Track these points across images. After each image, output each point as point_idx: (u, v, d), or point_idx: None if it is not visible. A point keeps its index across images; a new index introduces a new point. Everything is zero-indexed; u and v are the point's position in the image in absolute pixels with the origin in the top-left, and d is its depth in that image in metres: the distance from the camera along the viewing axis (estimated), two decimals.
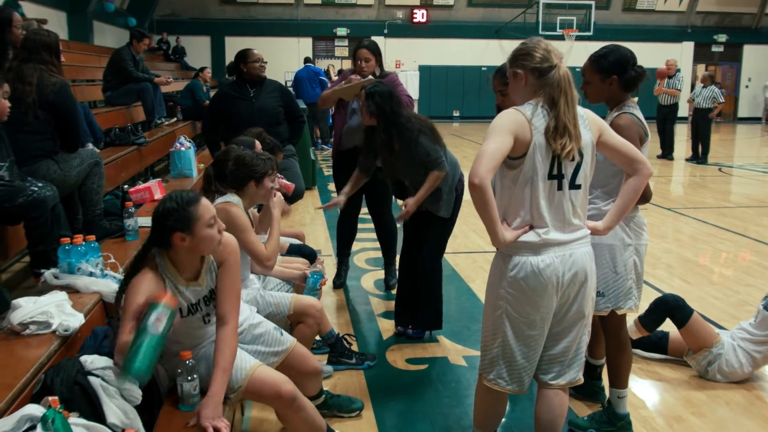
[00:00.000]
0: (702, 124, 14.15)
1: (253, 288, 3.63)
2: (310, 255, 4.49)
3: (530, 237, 2.61)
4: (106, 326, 2.79)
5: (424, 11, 25.10)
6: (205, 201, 2.63)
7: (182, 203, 2.55)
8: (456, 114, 25.91)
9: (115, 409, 2.30)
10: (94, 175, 4.34)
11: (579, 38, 23.58)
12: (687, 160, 14.35)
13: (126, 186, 5.51)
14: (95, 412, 2.28)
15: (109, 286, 3.11)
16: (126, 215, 4.12)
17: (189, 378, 2.61)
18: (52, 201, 3.59)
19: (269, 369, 2.85)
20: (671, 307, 4.09)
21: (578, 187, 2.65)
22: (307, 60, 16.51)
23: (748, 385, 3.98)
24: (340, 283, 5.72)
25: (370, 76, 5.08)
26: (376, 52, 5.29)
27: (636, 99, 3.31)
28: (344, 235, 5.72)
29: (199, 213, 2.56)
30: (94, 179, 4.34)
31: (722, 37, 26.72)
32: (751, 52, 27.09)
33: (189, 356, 2.62)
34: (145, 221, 4.39)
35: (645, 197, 3.13)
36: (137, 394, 2.42)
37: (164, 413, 2.64)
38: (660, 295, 4.32)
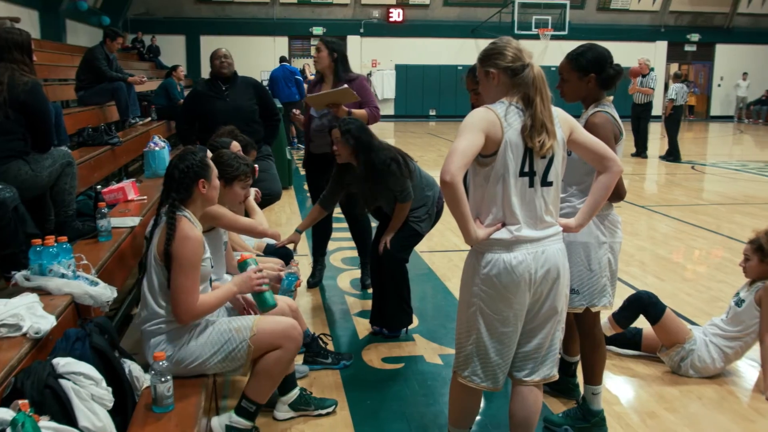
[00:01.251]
0: (665, 121, 14.45)
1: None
2: (286, 255, 4.48)
3: (503, 234, 2.62)
4: (78, 328, 2.75)
5: (400, 10, 25.11)
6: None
7: (200, 156, 3.04)
8: (432, 113, 25.97)
9: (87, 412, 2.28)
10: (66, 175, 4.28)
11: (554, 37, 23.78)
12: (661, 157, 14.47)
13: (99, 186, 5.44)
14: (66, 416, 2.25)
15: (81, 287, 3.07)
16: (99, 216, 4.07)
17: (163, 379, 2.60)
18: (12, 203, 3.51)
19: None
20: (644, 303, 4.13)
21: (550, 184, 2.66)
22: (282, 59, 16.44)
23: (719, 380, 4.03)
24: (315, 282, 5.71)
25: (345, 85, 5.03)
26: (329, 45, 5.26)
27: (611, 98, 3.34)
28: (319, 235, 5.71)
29: (212, 164, 3.09)
30: (66, 180, 4.28)
31: (695, 37, 27.04)
32: (723, 52, 27.43)
33: (162, 357, 2.62)
34: (119, 222, 4.36)
35: (619, 195, 3.15)
36: (108, 397, 2.40)
37: (138, 415, 2.63)
38: (634, 292, 4.36)
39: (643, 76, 14.03)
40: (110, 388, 2.46)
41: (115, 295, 3.18)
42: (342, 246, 6.81)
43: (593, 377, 3.41)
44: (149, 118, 9.93)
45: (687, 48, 27.29)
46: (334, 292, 5.63)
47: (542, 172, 2.63)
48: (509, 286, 2.64)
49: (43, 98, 4.17)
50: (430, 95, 25.74)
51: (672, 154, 14.17)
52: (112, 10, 19.80)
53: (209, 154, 3.19)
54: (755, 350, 4.02)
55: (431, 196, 4.56)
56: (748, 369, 4.20)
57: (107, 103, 8.62)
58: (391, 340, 4.61)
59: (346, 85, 5.01)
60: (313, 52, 5.24)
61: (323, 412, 3.57)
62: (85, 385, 2.35)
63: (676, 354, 4.06)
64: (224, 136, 4.57)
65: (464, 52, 23.94)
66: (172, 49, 22.65)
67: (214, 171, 3.10)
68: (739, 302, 4.04)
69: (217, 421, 3.12)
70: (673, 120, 14.09)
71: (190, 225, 2.92)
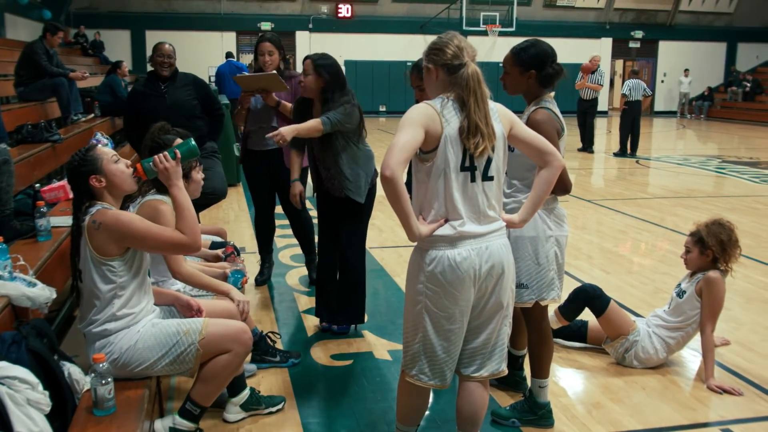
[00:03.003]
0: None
1: (173, 288, 3.54)
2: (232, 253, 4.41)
3: (446, 230, 2.62)
4: (14, 331, 2.67)
5: (349, 6, 25.05)
6: (100, 146, 3.00)
7: (81, 153, 2.91)
8: (382, 109, 25.97)
9: (23, 418, 2.21)
10: (2, 173, 4.16)
11: (502, 34, 23.98)
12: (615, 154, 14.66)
13: (38, 185, 5.30)
14: (1, 422, 2.19)
15: (18, 289, 2.97)
16: (37, 215, 3.97)
17: (103, 382, 2.54)
18: None
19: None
20: (589, 296, 4.18)
21: (491, 178, 2.67)
22: (228, 55, 16.27)
23: (662, 370, 4.11)
24: (263, 280, 5.66)
25: (274, 71, 4.99)
26: (278, 45, 5.19)
27: (552, 94, 3.36)
28: (262, 233, 5.66)
29: (99, 153, 2.91)
30: (2, 177, 4.16)
31: (639, 34, 27.59)
32: (665, 48, 28.03)
33: (103, 359, 2.56)
34: (59, 221, 4.25)
35: (565, 188, 3.18)
36: (45, 402, 2.33)
37: (78, 419, 2.56)
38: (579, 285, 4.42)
39: (592, 72, 14.22)
40: (47, 392, 2.39)
41: (55, 296, 3.09)
42: (290, 243, 6.75)
43: (540, 370, 3.44)
44: (92, 115, 9.72)
45: (631, 45, 27.84)
46: (283, 289, 5.59)
47: (483, 167, 2.64)
48: (454, 282, 2.63)
49: None
50: (380, 91, 25.73)
51: (623, 151, 14.39)
52: (53, 4, 19.29)
53: (103, 149, 3.03)
54: (696, 340, 4.10)
55: (365, 165, 4.44)
56: (690, 359, 4.29)
57: (48, 99, 8.41)
58: (340, 336, 4.59)
59: (274, 72, 4.96)
60: (266, 57, 5.05)
61: (273, 409, 3.54)
62: (20, 389, 2.28)
63: (620, 345, 4.13)
64: (156, 132, 4.44)
65: (413, 48, 23.96)
66: (117, 44, 22.19)
67: (106, 157, 2.89)
68: (680, 293, 4.12)
69: (161, 424, 3.05)
70: (626, 115, 14.34)
71: (110, 211, 2.84)
